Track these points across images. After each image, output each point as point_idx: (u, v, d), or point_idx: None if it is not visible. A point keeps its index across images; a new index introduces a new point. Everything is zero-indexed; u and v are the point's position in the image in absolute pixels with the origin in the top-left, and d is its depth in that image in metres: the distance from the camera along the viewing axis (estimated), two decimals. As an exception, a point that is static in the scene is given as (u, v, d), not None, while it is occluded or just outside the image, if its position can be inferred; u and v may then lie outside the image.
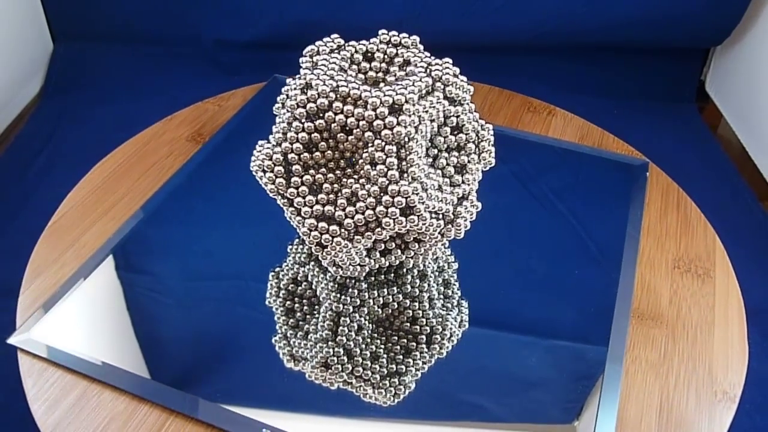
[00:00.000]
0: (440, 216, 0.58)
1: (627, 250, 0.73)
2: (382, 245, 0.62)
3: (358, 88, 0.55)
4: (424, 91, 0.57)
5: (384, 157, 0.54)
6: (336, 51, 0.62)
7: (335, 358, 0.60)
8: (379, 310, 0.65)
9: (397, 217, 0.55)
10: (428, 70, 0.58)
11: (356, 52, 0.62)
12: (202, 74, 1.52)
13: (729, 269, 0.73)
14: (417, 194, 0.55)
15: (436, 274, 0.69)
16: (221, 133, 0.89)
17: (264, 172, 0.58)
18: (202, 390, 0.58)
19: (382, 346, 0.62)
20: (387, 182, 0.54)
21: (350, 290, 0.66)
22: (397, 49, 0.61)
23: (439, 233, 0.59)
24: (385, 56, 0.62)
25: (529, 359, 0.62)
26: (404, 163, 0.55)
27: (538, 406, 0.58)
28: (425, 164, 0.58)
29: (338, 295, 0.66)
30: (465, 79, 0.60)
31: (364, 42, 0.62)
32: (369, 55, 0.62)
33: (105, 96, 1.46)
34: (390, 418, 0.57)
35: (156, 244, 0.73)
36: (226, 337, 0.63)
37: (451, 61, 0.60)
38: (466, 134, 0.60)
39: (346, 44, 0.62)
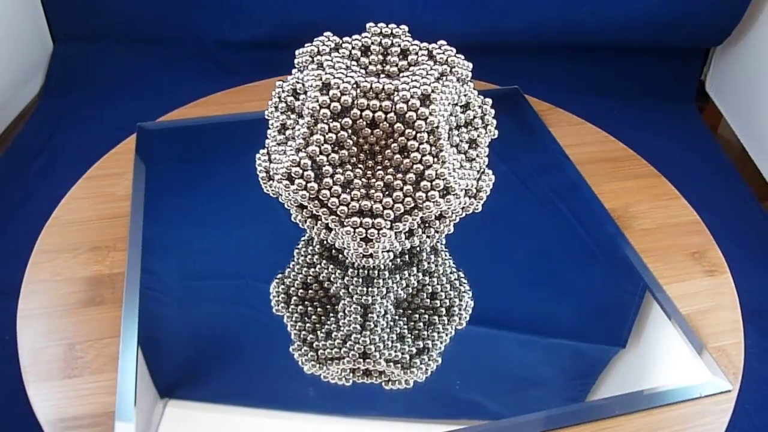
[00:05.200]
0: (467, 192, 0.60)
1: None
2: (406, 227, 0.63)
3: (379, 82, 0.56)
4: (438, 77, 0.58)
5: (416, 144, 0.55)
6: (335, 49, 0.62)
7: (372, 347, 0.61)
8: (401, 292, 0.66)
9: (436, 200, 0.56)
10: (432, 56, 0.60)
11: (353, 48, 0.62)
12: (202, 74, 1.52)
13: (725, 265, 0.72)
14: (452, 175, 0.56)
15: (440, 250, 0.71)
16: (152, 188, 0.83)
17: (291, 180, 0.57)
18: (202, 389, 0.58)
19: (406, 327, 0.63)
20: (422, 168, 0.56)
21: (376, 280, 0.67)
22: (391, 40, 0.62)
23: (462, 208, 0.61)
24: (380, 47, 0.62)
25: (528, 358, 0.62)
26: (434, 148, 0.56)
27: (538, 404, 0.58)
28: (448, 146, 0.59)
29: (364, 289, 0.66)
30: (462, 56, 0.61)
31: (357, 37, 0.63)
32: (364, 48, 0.63)
33: (105, 96, 1.46)
34: (390, 417, 0.57)
35: (156, 243, 0.73)
36: (225, 336, 0.63)
37: (445, 42, 0.61)
38: (473, 110, 0.61)
39: (342, 41, 0.63)
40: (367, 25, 0.63)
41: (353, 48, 0.62)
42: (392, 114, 0.55)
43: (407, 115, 0.55)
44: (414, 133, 0.55)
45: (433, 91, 0.55)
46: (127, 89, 1.49)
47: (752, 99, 1.33)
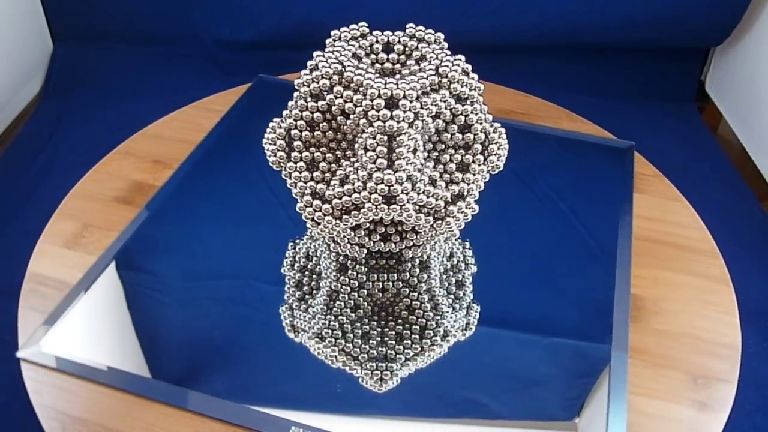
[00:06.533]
0: (429, 210, 0.58)
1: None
2: (383, 229, 0.63)
3: (362, 76, 0.56)
4: (428, 88, 0.57)
5: (375, 145, 0.55)
6: (357, 39, 0.63)
7: (329, 331, 0.62)
8: (379, 293, 0.66)
9: (380, 204, 0.56)
10: (437, 67, 0.58)
11: (377, 42, 0.63)
12: (202, 74, 1.52)
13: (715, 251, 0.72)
14: (401, 184, 0.56)
15: (447, 270, 0.69)
16: (219, 133, 0.89)
17: (267, 145, 0.61)
18: (203, 389, 0.58)
19: (378, 329, 0.63)
20: (375, 169, 0.56)
21: (350, 271, 0.68)
22: (418, 44, 0.62)
23: (429, 227, 0.60)
24: (406, 49, 0.62)
25: (530, 357, 0.62)
26: (394, 154, 0.56)
27: (540, 403, 0.58)
28: (421, 157, 0.58)
29: (337, 275, 0.67)
30: (476, 77, 0.60)
31: (387, 33, 0.63)
32: (389, 46, 0.63)
33: (105, 96, 1.46)
34: (392, 416, 0.57)
35: (157, 243, 0.73)
36: (226, 336, 0.63)
37: (463, 58, 0.60)
38: (474, 134, 0.60)
39: (370, 33, 0.63)
40: (407, 26, 0.63)
41: (376, 42, 0.62)
42: (361, 108, 0.56)
43: (370, 114, 0.55)
44: (375, 132, 0.55)
45: (404, 97, 0.55)
46: (127, 89, 1.49)
47: (752, 99, 1.33)
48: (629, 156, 0.87)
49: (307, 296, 0.66)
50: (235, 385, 0.59)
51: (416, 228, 0.61)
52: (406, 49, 0.62)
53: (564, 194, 0.80)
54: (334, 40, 0.62)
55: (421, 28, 0.63)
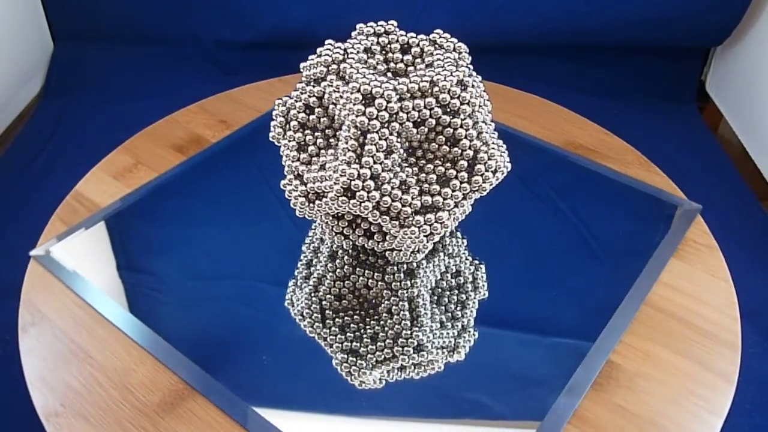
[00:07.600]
0: (395, 215, 0.58)
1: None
2: (367, 225, 0.64)
3: (356, 69, 0.57)
4: (418, 93, 0.56)
5: (349, 138, 0.56)
6: (378, 35, 0.63)
7: (310, 312, 0.64)
8: (365, 290, 0.66)
9: (341, 196, 0.57)
10: (432, 74, 0.57)
11: (396, 41, 0.63)
12: (202, 74, 1.52)
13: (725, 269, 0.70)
14: (363, 181, 0.56)
15: (452, 288, 0.68)
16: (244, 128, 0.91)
17: (272, 120, 0.63)
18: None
19: (357, 324, 0.63)
20: (345, 161, 0.56)
21: (338, 260, 0.69)
22: (435, 49, 0.62)
23: (395, 232, 0.59)
24: (423, 53, 0.63)
25: (531, 357, 0.62)
26: (364, 150, 0.56)
27: (540, 404, 0.58)
28: (397, 160, 0.57)
29: (327, 260, 0.69)
30: (473, 92, 0.57)
31: (411, 34, 0.63)
32: (406, 47, 0.63)
33: (105, 96, 1.46)
34: (391, 416, 0.57)
35: (156, 244, 0.73)
36: (226, 336, 0.63)
37: (466, 71, 0.58)
38: (462, 150, 0.58)
39: (393, 32, 0.64)
40: (434, 31, 0.63)
41: (396, 41, 0.63)
42: (344, 100, 0.56)
43: (348, 107, 0.56)
44: (350, 125, 0.56)
45: (382, 96, 0.55)
46: (127, 89, 1.49)
47: (752, 99, 1.34)
48: (686, 219, 0.77)
49: (312, 278, 0.68)
50: (234, 385, 0.59)
51: (391, 232, 0.61)
52: (424, 53, 0.62)
53: (595, 230, 0.76)
54: (358, 34, 0.63)
55: (446, 35, 0.62)
